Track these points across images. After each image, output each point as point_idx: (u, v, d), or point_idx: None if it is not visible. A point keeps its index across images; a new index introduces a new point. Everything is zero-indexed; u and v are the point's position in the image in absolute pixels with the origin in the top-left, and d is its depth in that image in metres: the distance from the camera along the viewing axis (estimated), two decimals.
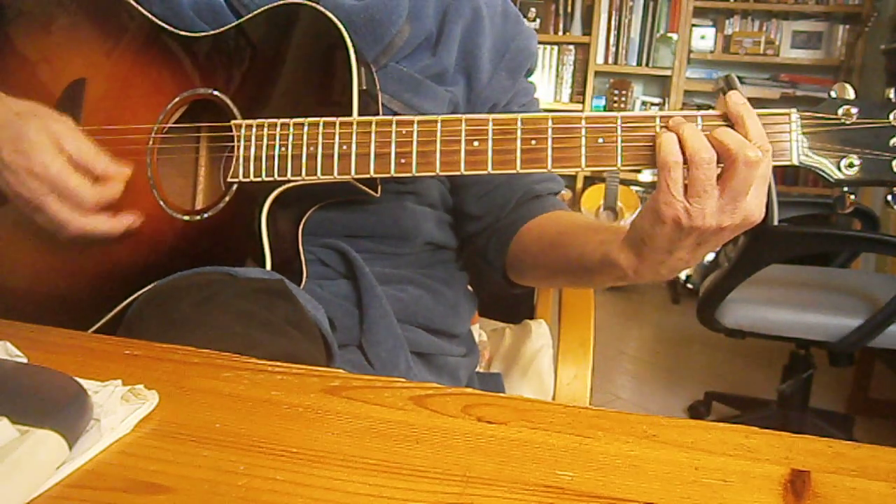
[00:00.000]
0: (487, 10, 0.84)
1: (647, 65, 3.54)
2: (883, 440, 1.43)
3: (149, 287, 0.68)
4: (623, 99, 3.46)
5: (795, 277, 1.92)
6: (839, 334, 1.64)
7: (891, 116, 0.57)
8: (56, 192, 0.66)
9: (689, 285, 3.26)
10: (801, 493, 0.36)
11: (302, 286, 0.72)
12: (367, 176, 0.65)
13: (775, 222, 1.64)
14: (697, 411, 2.24)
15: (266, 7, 0.72)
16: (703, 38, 3.50)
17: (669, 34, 3.49)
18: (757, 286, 1.73)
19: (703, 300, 1.76)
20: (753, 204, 0.57)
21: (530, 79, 0.91)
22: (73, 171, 0.66)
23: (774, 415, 2.01)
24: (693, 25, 3.48)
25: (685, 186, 0.56)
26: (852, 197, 0.58)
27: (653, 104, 3.61)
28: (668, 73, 3.50)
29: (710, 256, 3.19)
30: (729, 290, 1.70)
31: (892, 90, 0.57)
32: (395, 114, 0.77)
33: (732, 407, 2.23)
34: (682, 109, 3.54)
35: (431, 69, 0.79)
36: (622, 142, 0.59)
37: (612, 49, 3.57)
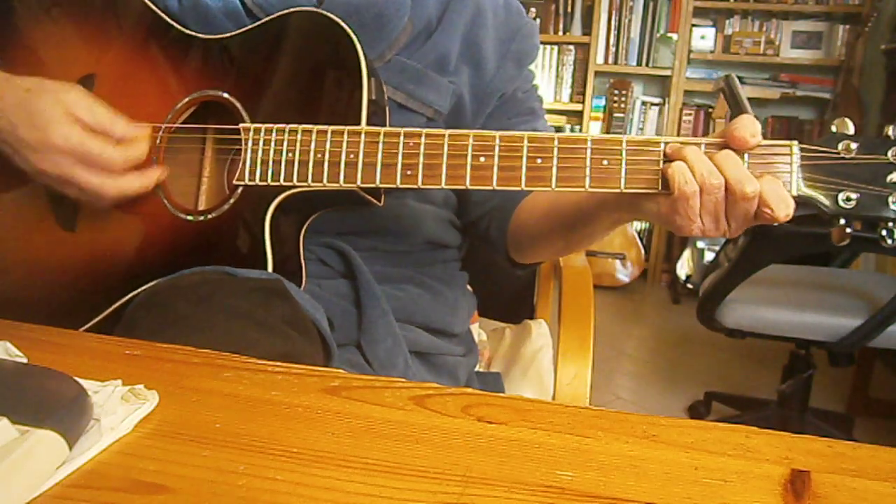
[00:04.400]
0: (490, 3, 0.85)
1: (647, 65, 3.54)
2: (883, 440, 1.43)
3: (148, 285, 0.68)
4: (623, 99, 3.46)
5: (795, 277, 1.92)
6: (839, 334, 1.64)
7: (889, 153, 0.58)
8: (82, 161, 0.66)
9: (689, 285, 3.26)
10: (801, 493, 0.36)
11: (302, 289, 0.72)
12: (373, 185, 0.65)
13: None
14: (697, 411, 2.24)
15: (280, 13, 0.72)
16: (703, 38, 3.50)
17: (669, 34, 3.48)
18: (757, 286, 1.73)
19: (703, 300, 1.76)
20: (760, 212, 0.58)
21: (533, 81, 0.92)
22: (94, 137, 0.66)
23: (774, 415, 2.01)
24: (693, 25, 3.47)
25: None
26: (848, 230, 0.59)
27: (653, 104, 3.60)
28: (668, 73, 3.50)
29: (710, 256, 3.19)
30: (729, 290, 1.70)
31: (892, 127, 0.58)
32: (399, 105, 0.78)
33: (732, 407, 2.23)
34: (682, 109, 3.55)
35: (430, 55, 0.80)
36: (626, 165, 0.60)
37: (612, 49, 3.57)
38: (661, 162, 0.60)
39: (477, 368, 0.98)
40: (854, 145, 0.58)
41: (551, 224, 0.78)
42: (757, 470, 0.38)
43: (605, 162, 0.61)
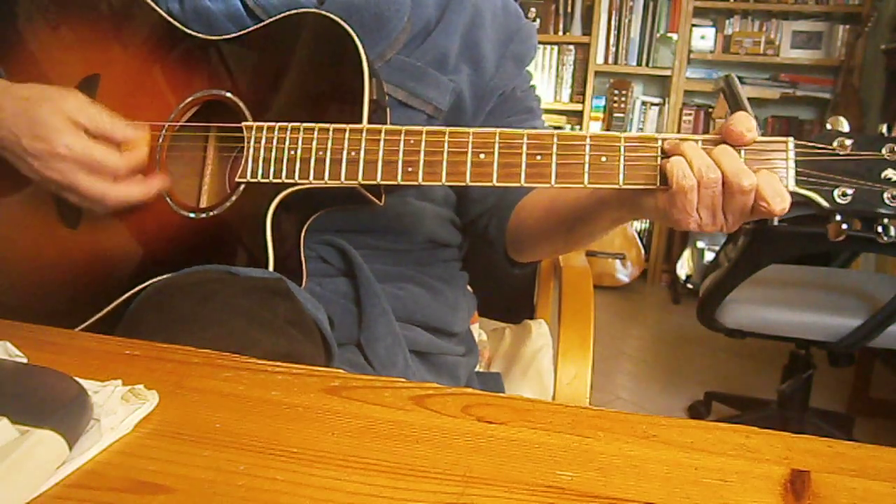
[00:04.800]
0: (488, 5, 0.85)
1: (647, 65, 3.54)
2: (883, 440, 1.43)
3: (149, 283, 0.69)
4: (623, 99, 3.46)
5: (795, 277, 1.92)
6: (839, 334, 1.64)
7: (883, 150, 0.58)
8: (85, 168, 0.66)
9: (689, 285, 3.26)
10: (801, 493, 0.36)
11: (302, 287, 0.72)
12: (374, 182, 0.66)
13: (775, 222, 1.64)
14: (697, 411, 2.24)
15: (283, 14, 0.72)
16: (703, 38, 3.50)
17: (669, 34, 3.48)
18: (757, 286, 1.73)
19: (703, 300, 1.76)
20: (759, 206, 0.59)
21: (532, 82, 0.93)
22: (96, 144, 0.67)
23: (774, 415, 2.01)
24: (693, 25, 3.47)
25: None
26: (843, 226, 0.59)
27: (653, 104, 3.60)
28: (668, 73, 3.50)
29: (710, 256, 3.19)
30: (729, 290, 1.70)
31: (885, 126, 0.59)
32: (400, 102, 0.78)
33: (732, 407, 2.23)
34: (682, 109, 3.54)
35: (430, 53, 0.81)
36: (625, 161, 0.61)
37: (612, 49, 3.57)
38: (659, 158, 0.60)
39: (477, 368, 0.98)
40: (849, 142, 0.59)
41: (551, 223, 0.78)
42: (757, 470, 0.38)
43: (603, 158, 0.61)
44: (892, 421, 2.21)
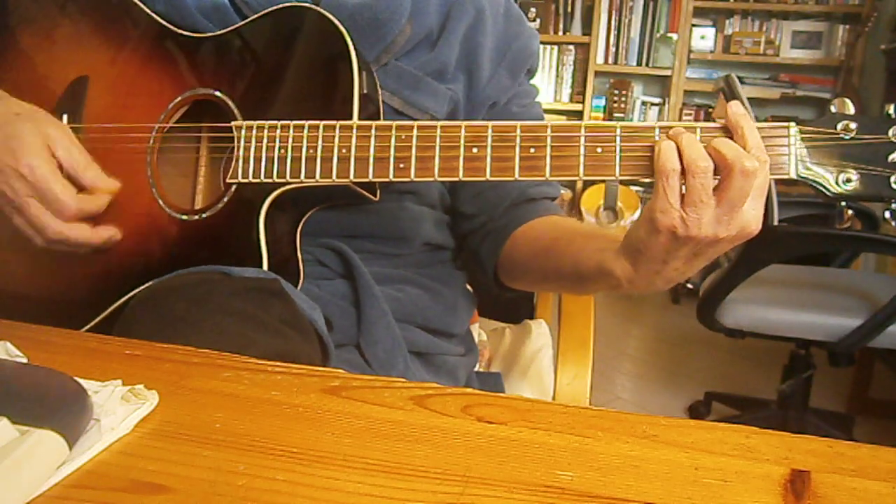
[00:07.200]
0: (490, 9, 0.84)
1: (647, 65, 3.54)
2: (883, 440, 1.43)
3: (145, 286, 0.68)
4: (623, 99, 3.46)
5: (795, 277, 1.92)
6: (839, 334, 1.64)
7: (890, 132, 0.57)
8: (38, 195, 0.65)
9: (689, 285, 3.26)
10: (801, 493, 0.36)
11: (299, 288, 0.72)
12: (366, 180, 0.65)
13: (775, 222, 1.64)
14: (697, 411, 2.24)
15: (270, 9, 0.72)
16: (703, 38, 3.50)
17: (669, 34, 3.48)
18: (757, 286, 1.73)
19: (703, 300, 1.76)
20: (750, 215, 0.57)
21: (532, 81, 0.91)
22: (59, 177, 0.66)
23: (774, 415, 2.01)
24: (693, 25, 3.48)
25: (682, 196, 0.57)
26: (850, 212, 0.58)
27: (653, 104, 3.60)
28: (668, 73, 3.50)
29: None
30: (729, 290, 1.70)
31: (892, 106, 0.57)
32: (396, 111, 0.77)
33: (732, 407, 2.23)
34: (681, 109, 3.55)
35: (431, 65, 0.80)
36: (621, 152, 0.60)
37: (612, 49, 3.57)
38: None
39: (477, 368, 0.97)
40: (853, 125, 0.57)
41: (549, 269, 0.77)
42: (757, 470, 0.38)
43: (598, 150, 0.60)
44: (892, 421, 2.21)
